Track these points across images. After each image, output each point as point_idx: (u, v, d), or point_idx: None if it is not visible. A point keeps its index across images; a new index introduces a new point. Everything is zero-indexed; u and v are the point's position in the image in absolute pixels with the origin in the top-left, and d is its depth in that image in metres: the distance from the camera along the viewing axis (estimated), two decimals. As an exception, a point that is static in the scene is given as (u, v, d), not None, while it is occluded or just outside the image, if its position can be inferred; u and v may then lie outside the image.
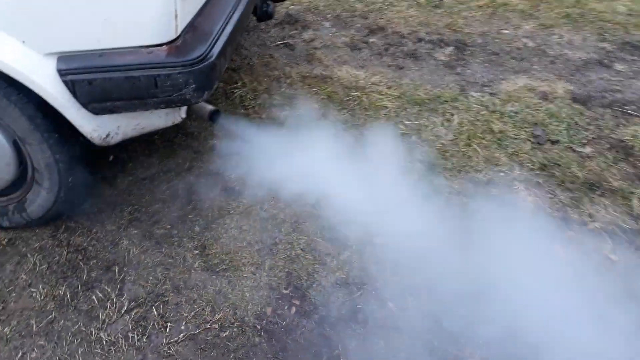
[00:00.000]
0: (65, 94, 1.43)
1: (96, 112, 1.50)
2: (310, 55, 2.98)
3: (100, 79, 1.41)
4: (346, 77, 2.77)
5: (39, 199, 1.72)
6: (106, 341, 1.52)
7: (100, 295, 1.65)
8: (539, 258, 1.76)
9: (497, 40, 3.18)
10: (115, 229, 1.88)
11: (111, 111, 1.51)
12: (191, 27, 1.52)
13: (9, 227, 1.84)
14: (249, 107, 2.51)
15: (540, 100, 2.58)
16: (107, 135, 1.60)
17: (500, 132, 2.36)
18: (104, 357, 1.48)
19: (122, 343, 1.52)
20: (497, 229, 1.82)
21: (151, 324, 1.57)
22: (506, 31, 3.29)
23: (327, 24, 3.37)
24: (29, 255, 1.78)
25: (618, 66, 2.89)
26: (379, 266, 1.75)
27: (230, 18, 1.70)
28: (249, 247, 1.83)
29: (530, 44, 3.14)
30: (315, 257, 1.79)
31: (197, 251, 1.81)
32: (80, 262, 1.76)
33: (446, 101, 2.58)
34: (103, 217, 1.92)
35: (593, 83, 2.74)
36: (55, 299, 1.64)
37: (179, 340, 1.53)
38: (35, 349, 1.50)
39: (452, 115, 2.48)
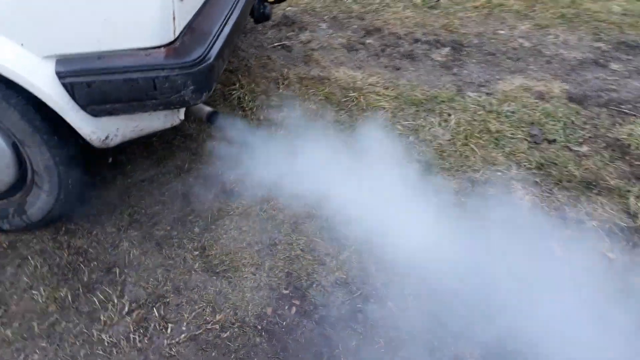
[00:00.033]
0: (64, 97, 1.43)
1: (95, 114, 1.50)
2: (307, 57, 2.99)
3: (98, 82, 1.41)
4: (343, 78, 2.78)
5: (39, 202, 1.73)
6: (108, 342, 1.52)
7: (102, 297, 1.65)
8: (537, 257, 1.77)
9: (493, 40, 3.20)
10: (115, 231, 1.88)
11: (110, 113, 1.51)
12: (189, 28, 1.52)
13: (10, 230, 1.84)
14: (246, 108, 2.52)
15: (537, 100, 2.60)
16: (106, 138, 1.60)
17: (498, 131, 2.37)
18: (105, 358, 1.49)
19: (123, 344, 1.52)
20: (494, 228, 1.83)
21: (152, 325, 1.58)
22: (502, 31, 3.31)
23: (324, 26, 3.38)
24: (29, 257, 1.78)
25: (613, 65, 2.91)
26: (379, 266, 1.76)
27: (228, 20, 1.71)
28: (248, 247, 1.83)
29: (526, 44, 3.16)
30: (315, 257, 1.80)
31: (197, 252, 1.81)
32: (81, 264, 1.76)
33: (443, 101, 2.59)
34: (103, 219, 1.93)
35: (589, 82, 2.76)
36: (57, 301, 1.64)
37: (180, 341, 1.53)
38: (37, 351, 1.51)
39: (449, 115, 2.49)
